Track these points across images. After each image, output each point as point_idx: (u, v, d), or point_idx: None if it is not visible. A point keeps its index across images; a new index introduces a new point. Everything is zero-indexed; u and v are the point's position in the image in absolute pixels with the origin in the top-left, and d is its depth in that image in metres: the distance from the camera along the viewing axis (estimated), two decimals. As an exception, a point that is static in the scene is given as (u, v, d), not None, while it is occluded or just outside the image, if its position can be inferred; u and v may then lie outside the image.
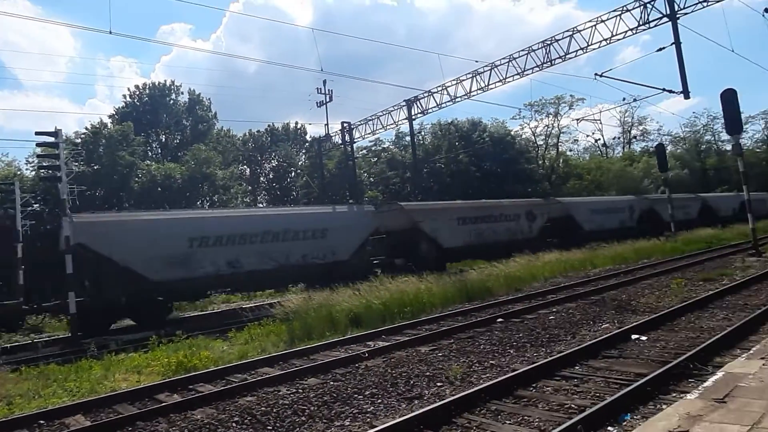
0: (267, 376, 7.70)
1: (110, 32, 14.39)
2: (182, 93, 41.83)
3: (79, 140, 31.00)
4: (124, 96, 40.23)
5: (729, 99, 18.44)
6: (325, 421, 5.67)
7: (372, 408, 5.93)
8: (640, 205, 34.64)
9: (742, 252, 19.75)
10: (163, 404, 6.71)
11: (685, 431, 3.54)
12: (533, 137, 54.97)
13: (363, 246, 21.11)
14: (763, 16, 19.03)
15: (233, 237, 17.40)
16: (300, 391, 6.83)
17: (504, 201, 28.62)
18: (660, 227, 32.40)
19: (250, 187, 44.60)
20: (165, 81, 41.43)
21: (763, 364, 4.80)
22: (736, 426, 3.50)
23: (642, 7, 20.02)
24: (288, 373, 7.70)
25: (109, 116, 39.14)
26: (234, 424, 5.81)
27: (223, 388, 7.30)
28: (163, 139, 41.12)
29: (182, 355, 9.11)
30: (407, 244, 22.43)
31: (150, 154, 38.96)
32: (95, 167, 30.25)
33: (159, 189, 30.29)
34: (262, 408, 6.21)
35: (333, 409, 6.00)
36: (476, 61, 37.67)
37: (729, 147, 56.55)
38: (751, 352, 5.48)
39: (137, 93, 39.88)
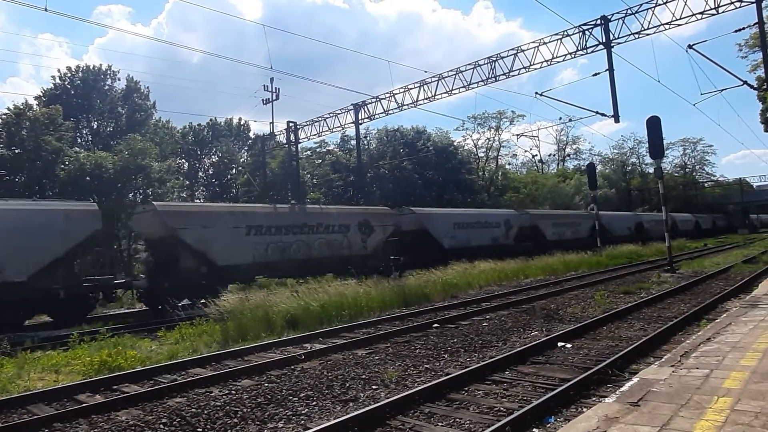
0: (198, 376, 7.47)
1: (46, 9, 13.42)
2: (119, 79, 39.76)
3: (-1, 121, 28.73)
4: (54, 77, 37.67)
5: (653, 125, 19.89)
6: (258, 422, 5.58)
7: (306, 410, 5.90)
8: (519, 221, 31.49)
9: (659, 268, 21.25)
10: (84, 405, 6.35)
11: (602, 432, 3.79)
12: (475, 149, 56.78)
13: (63, 261, 14.97)
14: (687, 51, 20.64)
15: None
16: (233, 392, 6.69)
17: (330, 207, 23.97)
18: (543, 246, 29.50)
19: (187, 182, 43.00)
20: (101, 65, 39.14)
21: (673, 371, 5.22)
22: (648, 427, 3.79)
23: (581, 33, 21.26)
24: (221, 374, 7.51)
25: (35, 97, 36.55)
26: (162, 426, 5.59)
27: (150, 388, 7.00)
28: (95, 126, 38.85)
29: (106, 354, 8.63)
30: (163, 260, 17.26)
31: (79, 140, 36.70)
32: (17, 151, 28.11)
33: (88, 178, 28.52)
34: (193, 409, 6.02)
35: (266, 411, 5.92)
36: (425, 71, 38.53)
37: (651, 170, 60.85)
38: (663, 360, 5.92)
39: (69, 75, 37.46)
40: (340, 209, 23.86)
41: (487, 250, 26.10)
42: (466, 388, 6.30)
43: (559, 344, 8.38)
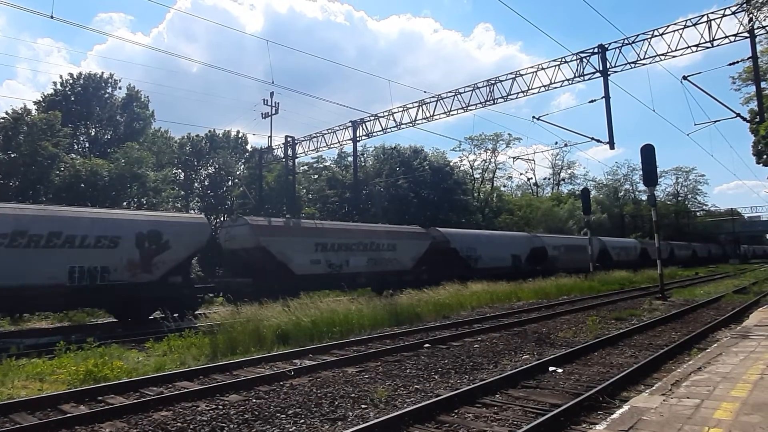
0: (185, 390, 7.36)
1: (52, 17, 13.46)
2: (120, 88, 39.91)
3: (-4, 124, 28.64)
4: (55, 83, 37.80)
5: (647, 153, 20.13)
6: (244, 439, 5.50)
7: (294, 428, 5.82)
8: (179, 241, 16.84)
9: (650, 295, 21.28)
10: (68, 415, 6.24)
11: (592, 459, 3.77)
12: (471, 170, 57.16)
13: None
14: (681, 82, 20.98)
15: None
16: (220, 407, 6.59)
17: None
18: (289, 287, 17.25)
19: (182, 192, 42.87)
20: (102, 73, 39.32)
21: (664, 400, 5.21)
22: (637, 456, 3.77)
23: (578, 60, 21.61)
24: (208, 388, 7.40)
25: (35, 103, 36.61)
26: (146, 440, 5.50)
27: (136, 401, 6.90)
28: (93, 134, 38.84)
29: (92, 364, 8.50)
30: None
31: (76, 147, 36.66)
32: (12, 155, 28.02)
33: (83, 185, 28.40)
34: (178, 424, 5.93)
35: (254, 427, 5.84)
36: (425, 92, 38.90)
37: (644, 197, 61.33)
38: (654, 388, 5.91)
39: (70, 82, 37.58)
40: None
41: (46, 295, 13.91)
42: (456, 411, 6.25)
43: (551, 369, 8.35)
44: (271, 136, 34.76)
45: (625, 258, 42.85)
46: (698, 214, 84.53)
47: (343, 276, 20.94)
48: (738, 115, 22.27)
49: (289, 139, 31.24)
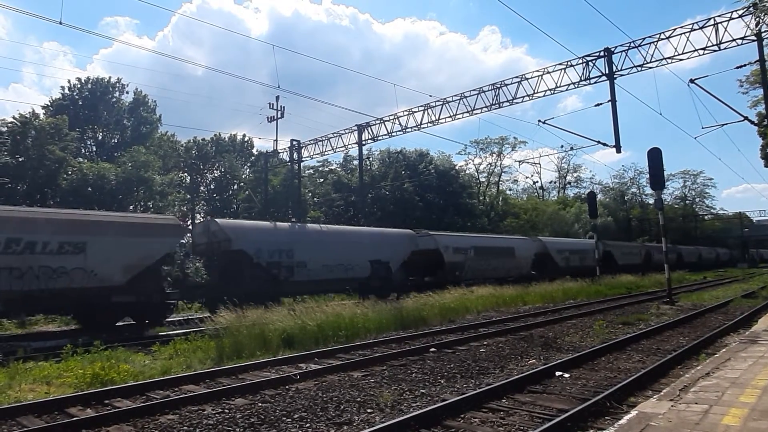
0: (191, 393, 7.37)
1: (60, 22, 13.56)
2: (127, 92, 40.25)
3: (5, 129, 28.91)
4: (63, 87, 38.22)
5: (654, 157, 20.03)
6: (250, 443, 5.50)
7: (300, 432, 5.82)
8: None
9: (658, 299, 21.13)
10: (75, 419, 6.27)
11: (600, 466, 3.74)
12: (476, 174, 57.17)
13: None
14: (688, 85, 20.90)
15: None
16: (226, 411, 6.60)
17: None
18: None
19: (188, 196, 43.08)
20: (110, 77, 39.72)
21: (672, 406, 5.16)
22: (646, 462, 3.74)
23: (584, 64, 21.56)
24: (214, 391, 7.41)
25: (43, 107, 36.99)
26: (152, 443, 5.51)
27: (142, 404, 6.90)
28: (100, 138, 39.16)
29: (99, 367, 8.55)
30: None
31: (83, 151, 36.97)
32: (20, 159, 28.26)
33: (90, 189, 28.61)
34: (185, 427, 5.93)
35: (259, 431, 5.84)
36: (430, 95, 38.93)
37: (652, 201, 60.95)
38: (662, 393, 5.86)
39: (78, 86, 37.94)
40: None
41: None
42: (463, 415, 6.22)
43: (557, 373, 8.29)
44: (276, 140, 34.73)
45: (578, 263, 34.35)
46: (706, 217, 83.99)
47: None
48: (746, 118, 22.14)
49: (294, 142, 31.35)
